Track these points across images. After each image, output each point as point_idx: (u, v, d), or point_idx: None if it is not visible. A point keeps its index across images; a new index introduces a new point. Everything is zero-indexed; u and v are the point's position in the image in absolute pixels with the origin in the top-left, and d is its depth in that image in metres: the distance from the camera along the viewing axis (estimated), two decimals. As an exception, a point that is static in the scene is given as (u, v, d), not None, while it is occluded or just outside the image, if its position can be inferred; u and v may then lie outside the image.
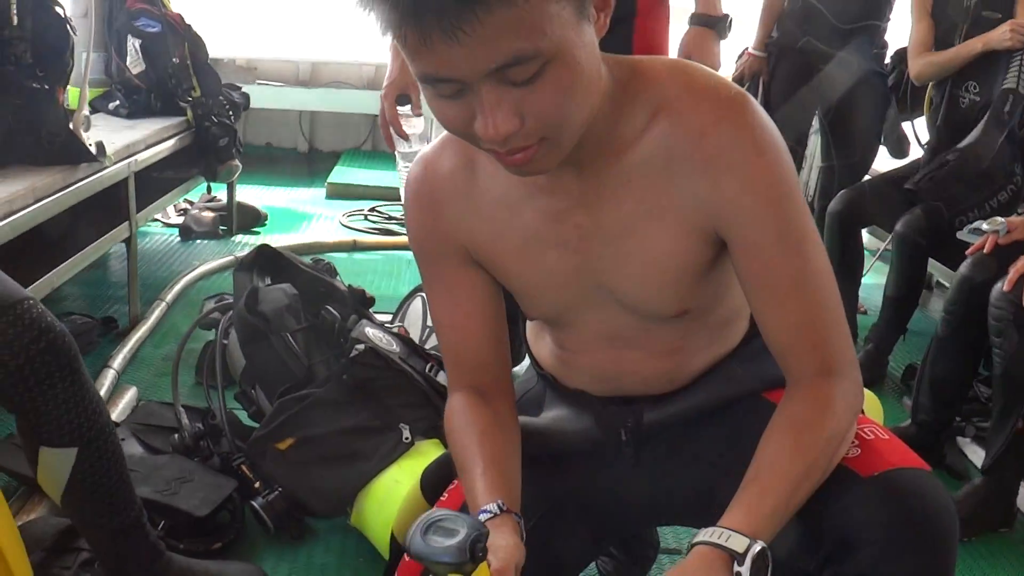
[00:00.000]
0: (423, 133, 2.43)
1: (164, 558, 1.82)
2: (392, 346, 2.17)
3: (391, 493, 1.96)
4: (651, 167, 1.15)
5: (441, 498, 1.40)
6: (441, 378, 2.18)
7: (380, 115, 2.34)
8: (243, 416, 2.43)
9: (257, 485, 2.13)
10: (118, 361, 2.93)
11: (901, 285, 3.23)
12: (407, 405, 2.08)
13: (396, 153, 2.47)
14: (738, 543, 1.04)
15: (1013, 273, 2.31)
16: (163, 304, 3.47)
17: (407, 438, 2.02)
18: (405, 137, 2.37)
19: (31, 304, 1.56)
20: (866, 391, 1.36)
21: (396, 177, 2.76)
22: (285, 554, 2.13)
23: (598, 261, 1.22)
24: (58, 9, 2.79)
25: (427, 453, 2.00)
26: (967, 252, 2.61)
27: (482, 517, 1.14)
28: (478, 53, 0.93)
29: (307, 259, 2.80)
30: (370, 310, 2.52)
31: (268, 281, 2.44)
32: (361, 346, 2.10)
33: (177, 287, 3.64)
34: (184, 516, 2.03)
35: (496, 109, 0.98)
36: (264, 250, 2.57)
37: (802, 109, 3.80)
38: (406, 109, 2.36)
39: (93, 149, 2.91)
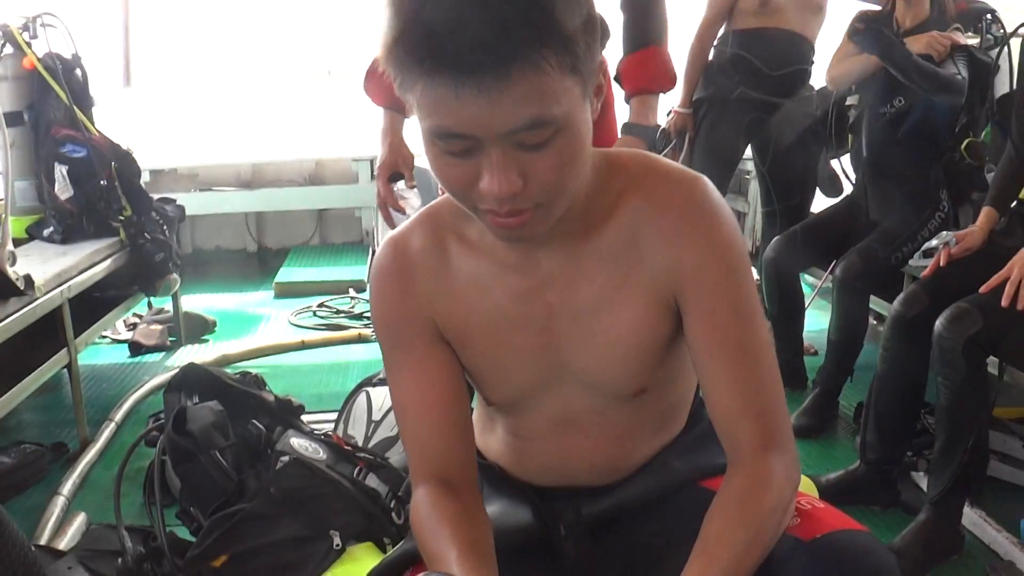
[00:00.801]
0: (420, 207, 2.48)
1: None
2: (319, 454, 2.18)
3: (326, 601, 1.95)
4: (620, 243, 1.21)
5: None
6: (371, 481, 2.18)
7: (377, 196, 2.38)
8: (186, 533, 2.41)
9: (198, 606, 2.11)
10: (67, 487, 2.91)
11: (843, 328, 3.26)
12: (336, 512, 2.08)
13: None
14: None
15: (1009, 287, 2.26)
16: (112, 424, 3.45)
17: (338, 544, 2.02)
18: (402, 211, 2.40)
19: None
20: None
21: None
22: (231, 673, 2.11)
23: (565, 340, 1.25)
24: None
25: (359, 558, 2.01)
26: (922, 275, 2.63)
27: None
28: (502, 113, 0.99)
29: (236, 371, 2.80)
30: (303, 416, 2.53)
31: (196, 399, 2.44)
32: (286, 457, 2.11)
33: (126, 405, 3.62)
34: (125, 646, 2.02)
35: (505, 169, 1.03)
36: (190, 369, 2.57)
37: (730, 158, 3.85)
38: (400, 185, 2.40)
39: (20, 284, 2.91)
